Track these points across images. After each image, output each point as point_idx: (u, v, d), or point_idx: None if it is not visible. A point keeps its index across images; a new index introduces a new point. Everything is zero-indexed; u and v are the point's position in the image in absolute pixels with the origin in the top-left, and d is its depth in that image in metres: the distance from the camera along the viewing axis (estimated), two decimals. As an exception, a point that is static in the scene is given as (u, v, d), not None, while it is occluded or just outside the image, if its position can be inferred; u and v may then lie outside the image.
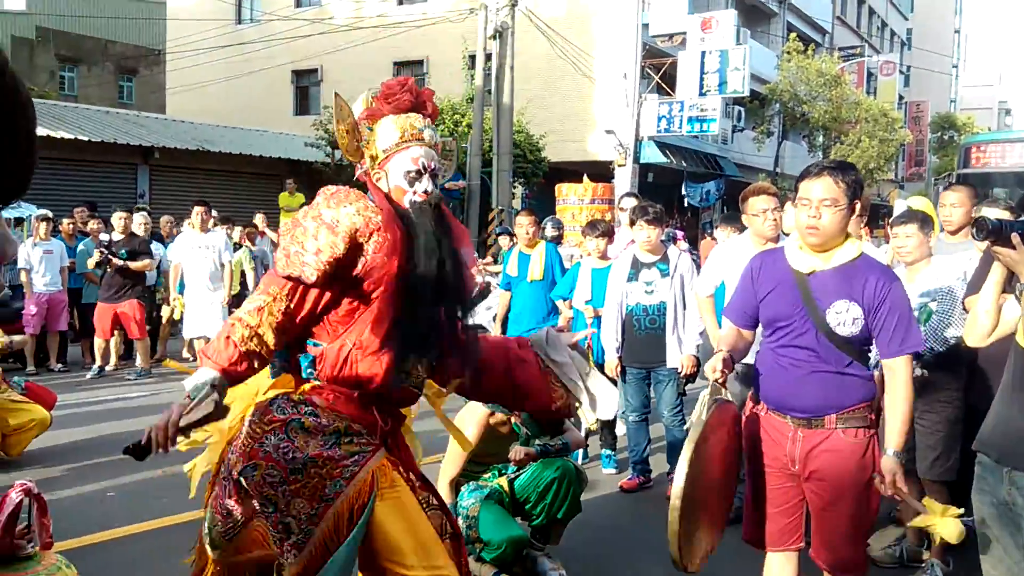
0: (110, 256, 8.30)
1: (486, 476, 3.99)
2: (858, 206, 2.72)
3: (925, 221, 4.04)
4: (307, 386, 2.26)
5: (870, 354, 2.79)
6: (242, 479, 2.18)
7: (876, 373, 2.85)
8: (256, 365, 2.14)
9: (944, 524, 2.56)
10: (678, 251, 5.21)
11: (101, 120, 17.23)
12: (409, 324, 2.18)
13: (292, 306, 2.15)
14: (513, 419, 3.85)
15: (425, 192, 2.28)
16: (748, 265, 2.98)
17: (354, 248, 2.11)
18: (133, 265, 8.46)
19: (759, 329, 2.96)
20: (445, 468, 3.93)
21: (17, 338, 5.77)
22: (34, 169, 0.87)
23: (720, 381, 2.74)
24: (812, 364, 2.71)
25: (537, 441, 3.88)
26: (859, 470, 2.71)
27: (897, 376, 2.68)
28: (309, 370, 2.24)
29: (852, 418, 2.71)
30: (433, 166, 2.32)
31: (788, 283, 2.78)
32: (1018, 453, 2.35)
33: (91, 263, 8.64)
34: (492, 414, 3.84)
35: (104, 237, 8.90)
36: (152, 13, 28.80)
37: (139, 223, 9.39)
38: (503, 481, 3.94)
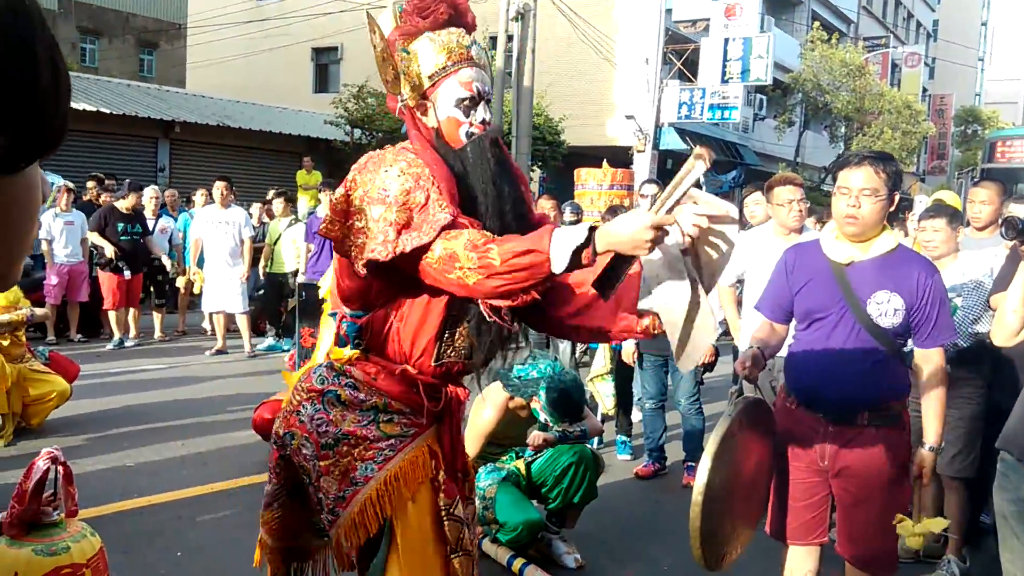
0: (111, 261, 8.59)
1: (504, 458, 4.01)
2: (897, 197, 2.69)
3: (954, 216, 4.00)
4: (349, 354, 2.05)
5: (905, 348, 2.78)
6: (282, 445, 2.10)
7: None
8: None
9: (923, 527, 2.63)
10: None
11: (123, 93, 17.27)
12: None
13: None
14: (532, 404, 3.86)
15: (483, 123, 1.96)
16: (782, 258, 2.95)
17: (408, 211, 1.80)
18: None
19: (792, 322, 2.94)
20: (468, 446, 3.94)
21: (39, 311, 5.80)
22: (66, 116, 0.67)
23: (751, 378, 2.71)
24: (847, 357, 2.68)
25: (556, 427, 3.89)
26: (890, 467, 2.70)
27: (933, 365, 2.70)
28: (356, 340, 2.04)
29: (884, 414, 2.70)
30: (488, 91, 2.00)
31: (825, 274, 2.75)
32: None
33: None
34: (511, 398, 3.86)
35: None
36: (174, -13, 28.79)
37: (149, 196, 9.46)
38: (520, 464, 3.95)
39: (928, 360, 2.72)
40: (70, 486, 2.63)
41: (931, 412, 2.68)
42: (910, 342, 2.79)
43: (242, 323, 8.72)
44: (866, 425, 2.69)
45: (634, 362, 5.27)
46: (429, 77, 1.95)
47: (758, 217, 5.11)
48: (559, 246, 1.63)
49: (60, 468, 2.58)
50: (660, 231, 1.63)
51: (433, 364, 2.02)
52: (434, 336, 1.98)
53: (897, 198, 2.69)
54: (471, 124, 1.96)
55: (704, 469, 2.48)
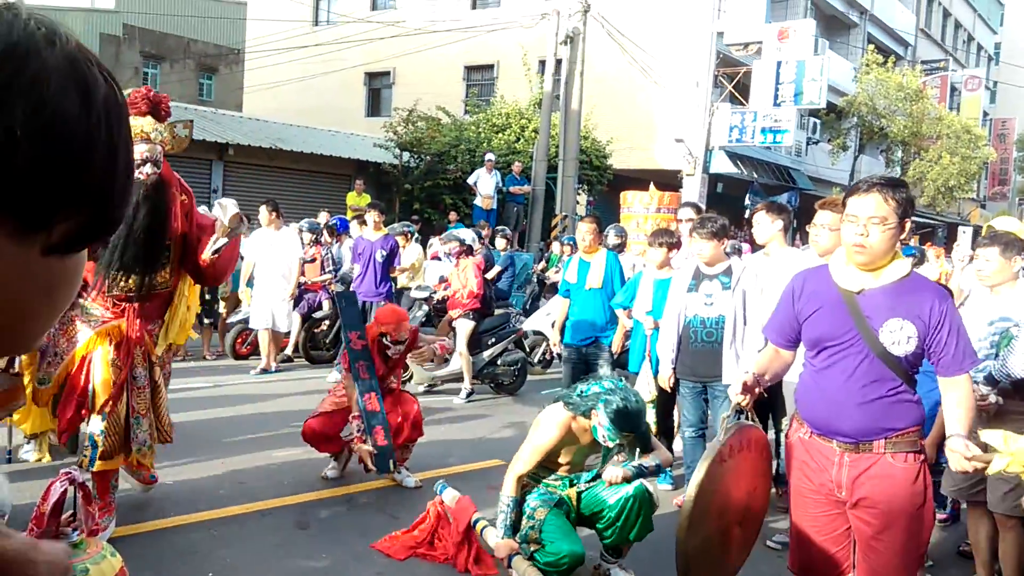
0: None
1: (556, 483, 3.94)
2: (908, 225, 2.63)
3: (1009, 244, 3.84)
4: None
5: (917, 376, 2.70)
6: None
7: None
8: None
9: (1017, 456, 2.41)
10: (743, 264, 5.06)
11: (180, 116, 17.71)
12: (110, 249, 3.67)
13: None
14: (592, 419, 3.69)
15: (145, 174, 3.73)
16: (789, 283, 2.92)
17: None
18: None
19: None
20: (516, 461, 3.89)
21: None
22: (129, 202, 0.69)
23: (744, 405, 2.68)
24: (860, 385, 2.62)
25: (632, 462, 3.79)
26: (910, 496, 2.61)
27: (960, 390, 2.61)
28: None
29: (902, 442, 2.63)
30: (155, 158, 3.77)
31: (835, 302, 2.70)
32: None
33: None
34: (575, 417, 3.77)
35: None
36: (233, 13, 29.62)
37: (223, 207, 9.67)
38: (572, 492, 3.90)
39: (955, 387, 2.62)
40: (89, 506, 2.64)
41: (954, 416, 2.59)
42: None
43: (263, 339, 8.83)
44: (883, 453, 2.62)
45: (670, 389, 5.17)
46: None
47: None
48: None
49: (79, 489, 2.59)
50: None
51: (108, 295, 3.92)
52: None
53: (908, 225, 2.62)
54: (137, 172, 3.37)
55: (691, 494, 2.48)
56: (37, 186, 0.60)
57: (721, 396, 4.87)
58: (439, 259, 10.76)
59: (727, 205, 21.76)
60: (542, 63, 17.76)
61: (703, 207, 19.50)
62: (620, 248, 8.00)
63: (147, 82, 29.90)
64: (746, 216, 21.62)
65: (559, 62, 15.96)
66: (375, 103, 26.10)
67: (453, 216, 15.93)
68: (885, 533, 2.63)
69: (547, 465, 3.91)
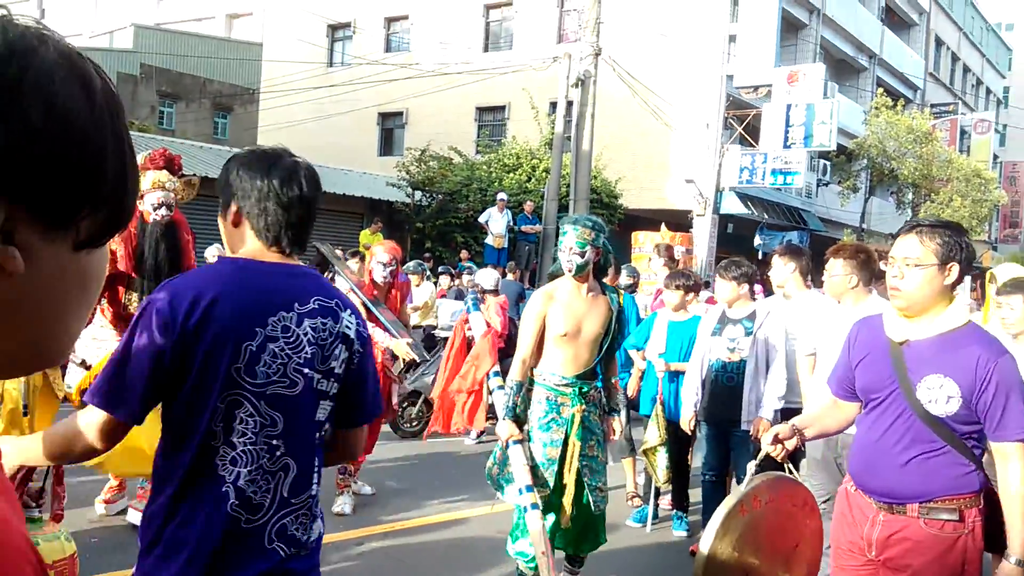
0: None
1: (566, 390, 3.84)
2: (954, 269, 2.42)
3: (1034, 290, 3.79)
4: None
5: (971, 442, 2.46)
6: None
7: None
8: None
9: None
10: (767, 309, 5.00)
11: (195, 155, 17.92)
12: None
13: None
14: (564, 255, 3.83)
15: (160, 215, 4.50)
16: (849, 331, 2.80)
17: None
18: None
19: None
20: (519, 348, 3.91)
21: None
22: (137, 187, 0.70)
23: (777, 456, 2.55)
24: (898, 443, 2.46)
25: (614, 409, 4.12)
26: (940, 568, 2.42)
27: (1010, 461, 2.38)
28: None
29: (940, 509, 2.43)
30: (169, 201, 4.53)
31: (881, 352, 2.55)
32: None
33: None
34: (551, 295, 3.87)
35: None
36: (249, 54, 30.07)
37: (213, 255, 9.72)
38: (578, 412, 3.80)
39: (1004, 456, 2.39)
40: (59, 487, 2.60)
41: (1013, 516, 2.35)
42: None
43: None
44: (916, 517, 2.45)
45: (691, 431, 5.11)
46: (141, 192, 3.27)
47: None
48: None
49: (53, 469, 2.55)
50: None
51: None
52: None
53: (954, 270, 2.42)
54: (154, 214, 4.49)
55: (705, 546, 2.37)
56: (61, 181, 0.60)
57: (740, 441, 4.82)
58: (446, 297, 10.77)
59: (739, 245, 21.75)
60: (553, 104, 17.90)
61: (713, 246, 19.36)
62: (633, 288, 7.96)
63: (163, 120, 30.30)
64: (759, 257, 21.66)
65: (570, 104, 16.09)
66: (388, 142, 26.33)
67: (464, 254, 15.95)
68: None
69: (555, 358, 3.86)
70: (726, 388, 4.86)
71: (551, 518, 3.81)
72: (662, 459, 5.68)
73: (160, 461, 1.79)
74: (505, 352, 8.08)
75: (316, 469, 1.88)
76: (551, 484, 3.79)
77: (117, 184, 0.65)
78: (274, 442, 1.77)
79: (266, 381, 1.76)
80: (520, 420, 3.84)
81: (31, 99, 0.58)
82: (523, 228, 16.10)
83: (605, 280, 6.55)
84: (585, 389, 3.87)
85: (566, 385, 3.83)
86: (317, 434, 1.86)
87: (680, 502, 5.54)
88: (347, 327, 1.89)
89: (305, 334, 1.81)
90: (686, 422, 5.08)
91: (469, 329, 6.21)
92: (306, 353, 1.81)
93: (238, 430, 1.74)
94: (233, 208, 1.88)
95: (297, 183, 1.88)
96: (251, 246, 1.87)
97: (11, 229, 0.59)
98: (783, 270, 5.00)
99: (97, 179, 0.63)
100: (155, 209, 4.48)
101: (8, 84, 0.57)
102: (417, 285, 9.50)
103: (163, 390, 1.74)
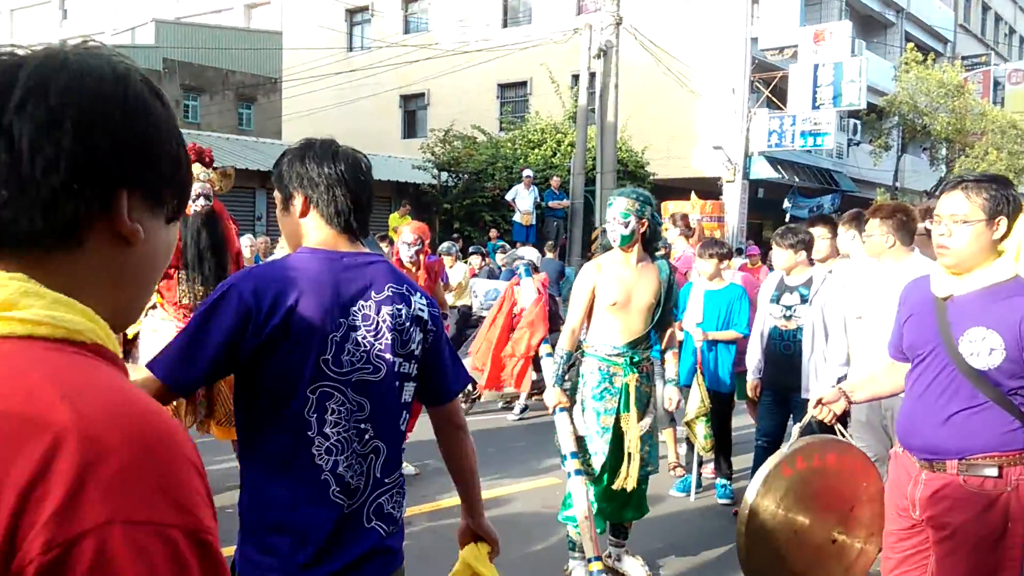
0: None
1: (618, 360, 3.90)
2: (1002, 223, 2.39)
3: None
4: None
5: (1017, 398, 2.41)
6: None
7: None
8: None
9: None
10: (824, 275, 4.94)
11: (222, 147, 18.09)
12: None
13: None
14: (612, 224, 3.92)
15: (201, 206, 4.56)
16: (901, 292, 2.78)
17: None
18: None
19: None
20: (568, 318, 4.05)
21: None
22: (191, 170, 0.89)
23: (826, 420, 2.55)
24: (940, 399, 2.45)
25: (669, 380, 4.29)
26: (982, 525, 2.39)
27: None
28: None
29: (980, 465, 2.40)
30: (206, 191, 4.58)
31: (927, 308, 2.54)
32: None
33: None
34: (600, 267, 4.01)
35: None
36: (269, 43, 30.15)
37: (246, 245, 9.81)
38: (632, 381, 3.87)
39: None
40: None
41: None
42: None
43: None
44: (956, 474, 2.43)
45: (756, 398, 5.14)
46: None
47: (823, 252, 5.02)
48: None
49: None
50: None
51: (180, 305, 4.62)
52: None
53: (1002, 224, 2.39)
54: (194, 205, 4.51)
55: (748, 499, 2.40)
56: (160, 169, 0.81)
57: (799, 410, 4.78)
58: (477, 276, 10.79)
59: (770, 210, 21.49)
60: (575, 77, 17.74)
61: (744, 212, 18.99)
62: (665, 257, 7.90)
63: (187, 114, 30.55)
64: (786, 220, 21.38)
65: (593, 75, 15.94)
66: (411, 125, 26.32)
67: (494, 233, 15.93)
68: (948, 560, 2.46)
69: (606, 329, 3.93)
70: (784, 356, 4.90)
71: (593, 488, 3.85)
72: (702, 428, 5.67)
73: (250, 449, 1.83)
74: (547, 329, 8.11)
75: (403, 449, 1.94)
76: (606, 451, 3.83)
77: (187, 169, 0.86)
78: (363, 426, 1.82)
79: (351, 369, 1.80)
80: (565, 391, 3.93)
81: (135, 112, 0.78)
82: (551, 204, 16.03)
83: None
84: (636, 359, 3.92)
85: (618, 355, 3.91)
86: (404, 414, 1.90)
87: (723, 469, 5.52)
88: (420, 310, 1.93)
89: (384, 321, 1.85)
90: (752, 388, 5.15)
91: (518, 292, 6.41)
92: (386, 339, 1.85)
93: (330, 420, 1.78)
94: (300, 198, 1.90)
95: (360, 169, 1.92)
96: (322, 235, 1.90)
97: (132, 209, 0.78)
98: (846, 237, 4.95)
99: (178, 166, 0.84)
100: (194, 201, 4.58)
101: (120, 104, 0.77)
102: (450, 266, 9.52)
103: (221, 375, 1.80)
